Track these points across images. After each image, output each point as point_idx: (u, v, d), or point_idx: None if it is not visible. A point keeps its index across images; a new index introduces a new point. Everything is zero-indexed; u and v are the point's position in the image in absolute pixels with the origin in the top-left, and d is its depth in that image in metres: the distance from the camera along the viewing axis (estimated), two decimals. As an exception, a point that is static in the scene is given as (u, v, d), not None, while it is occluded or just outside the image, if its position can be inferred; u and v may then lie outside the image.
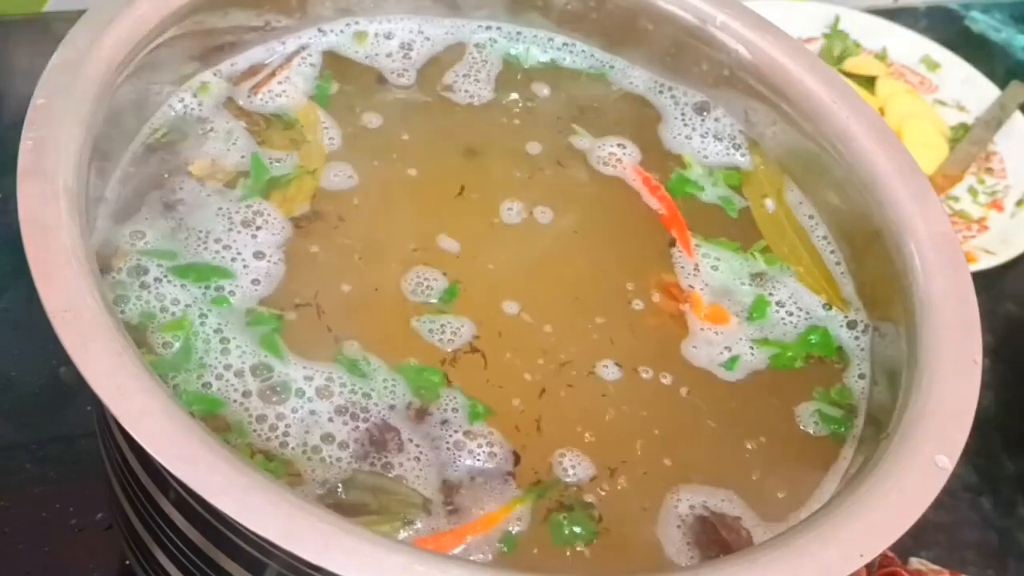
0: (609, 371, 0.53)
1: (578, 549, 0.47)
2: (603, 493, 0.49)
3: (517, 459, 0.49)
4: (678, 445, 0.51)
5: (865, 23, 1.14)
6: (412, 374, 0.51)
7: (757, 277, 0.58)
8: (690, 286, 0.57)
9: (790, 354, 0.55)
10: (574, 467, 0.49)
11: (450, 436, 0.49)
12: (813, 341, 0.56)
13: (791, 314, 0.57)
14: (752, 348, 0.55)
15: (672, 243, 0.59)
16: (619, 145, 0.63)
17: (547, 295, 0.56)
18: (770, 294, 0.57)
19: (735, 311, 0.57)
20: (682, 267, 0.58)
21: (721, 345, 0.55)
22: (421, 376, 0.51)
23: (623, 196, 0.61)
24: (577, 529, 0.47)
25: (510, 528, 0.47)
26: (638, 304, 0.56)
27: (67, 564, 0.66)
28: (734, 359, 0.55)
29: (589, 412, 0.52)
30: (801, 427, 0.53)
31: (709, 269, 0.58)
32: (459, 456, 0.48)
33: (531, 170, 0.61)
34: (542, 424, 0.51)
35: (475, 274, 0.55)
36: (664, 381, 0.53)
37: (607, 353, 0.54)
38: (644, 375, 0.53)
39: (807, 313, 0.57)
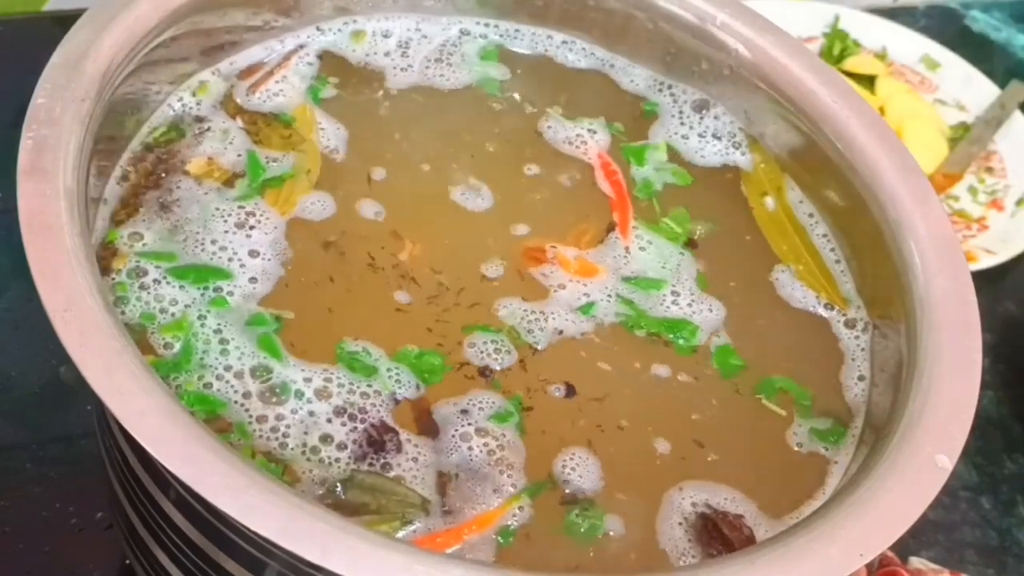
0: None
1: (577, 547, 0.47)
2: (604, 492, 0.49)
3: (515, 455, 0.49)
4: (678, 444, 0.51)
5: (865, 22, 1.14)
6: (412, 360, 0.51)
7: (675, 270, 0.58)
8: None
9: (642, 323, 0.55)
10: (575, 466, 0.49)
11: (450, 436, 0.49)
12: (669, 330, 0.55)
13: (676, 304, 0.57)
14: (609, 298, 0.56)
15: (611, 227, 0.59)
16: (589, 130, 0.63)
17: (479, 269, 0.56)
18: (673, 288, 0.57)
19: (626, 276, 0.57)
20: (611, 248, 0.58)
21: (581, 292, 0.56)
22: (422, 360, 0.51)
23: (579, 177, 0.61)
24: (590, 522, 0.48)
25: (508, 524, 0.47)
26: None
27: (67, 564, 0.66)
28: (590, 305, 0.55)
29: (585, 410, 0.52)
30: (798, 437, 0.53)
31: (637, 250, 0.58)
32: (457, 456, 0.48)
33: (503, 153, 0.61)
34: (539, 423, 0.51)
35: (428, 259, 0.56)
36: (660, 372, 0.53)
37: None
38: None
39: (696, 314, 0.56)
